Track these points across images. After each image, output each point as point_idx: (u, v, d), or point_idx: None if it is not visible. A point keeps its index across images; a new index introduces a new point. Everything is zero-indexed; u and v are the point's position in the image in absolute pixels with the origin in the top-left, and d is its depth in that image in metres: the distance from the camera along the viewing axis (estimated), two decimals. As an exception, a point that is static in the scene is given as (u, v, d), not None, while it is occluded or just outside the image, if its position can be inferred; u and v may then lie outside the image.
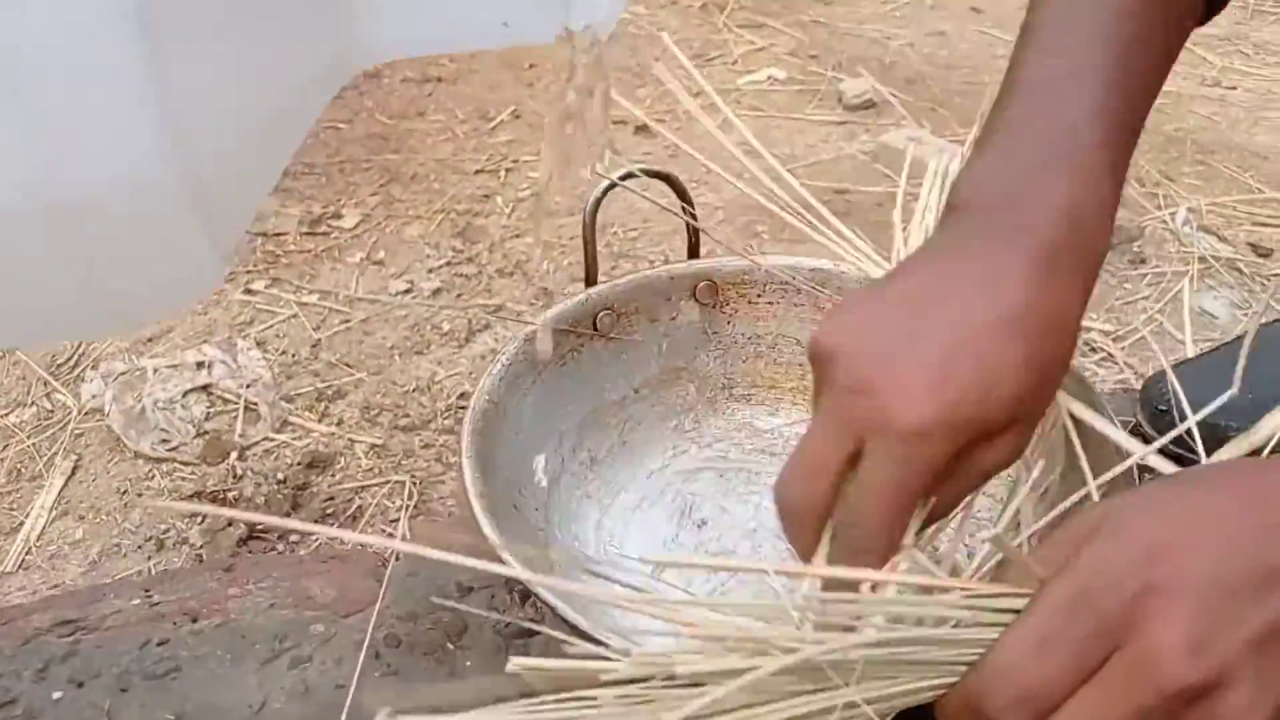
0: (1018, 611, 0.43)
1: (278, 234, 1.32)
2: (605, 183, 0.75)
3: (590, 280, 0.81)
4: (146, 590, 0.65)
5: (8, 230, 0.31)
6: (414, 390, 1.07)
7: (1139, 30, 0.58)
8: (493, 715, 0.39)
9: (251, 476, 0.95)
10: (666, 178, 0.81)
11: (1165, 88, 1.73)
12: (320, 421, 1.03)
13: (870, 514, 0.50)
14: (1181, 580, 0.40)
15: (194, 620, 0.64)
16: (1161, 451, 0.62)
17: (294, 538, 0.91)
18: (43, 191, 0.29)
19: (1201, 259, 1.26)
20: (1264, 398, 0.71)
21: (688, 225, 0.84)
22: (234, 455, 0.98)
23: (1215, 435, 0.73)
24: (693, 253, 0.85)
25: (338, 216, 1.36)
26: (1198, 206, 1.36)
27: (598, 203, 0.75)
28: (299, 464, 0.97)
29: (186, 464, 0.97)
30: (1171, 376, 0.67)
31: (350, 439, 1.01)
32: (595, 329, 0.79)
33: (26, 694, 0.59)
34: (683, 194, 0.82)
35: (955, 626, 0.43)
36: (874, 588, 0.47)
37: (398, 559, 0.66)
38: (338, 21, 0.34)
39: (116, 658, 0.61)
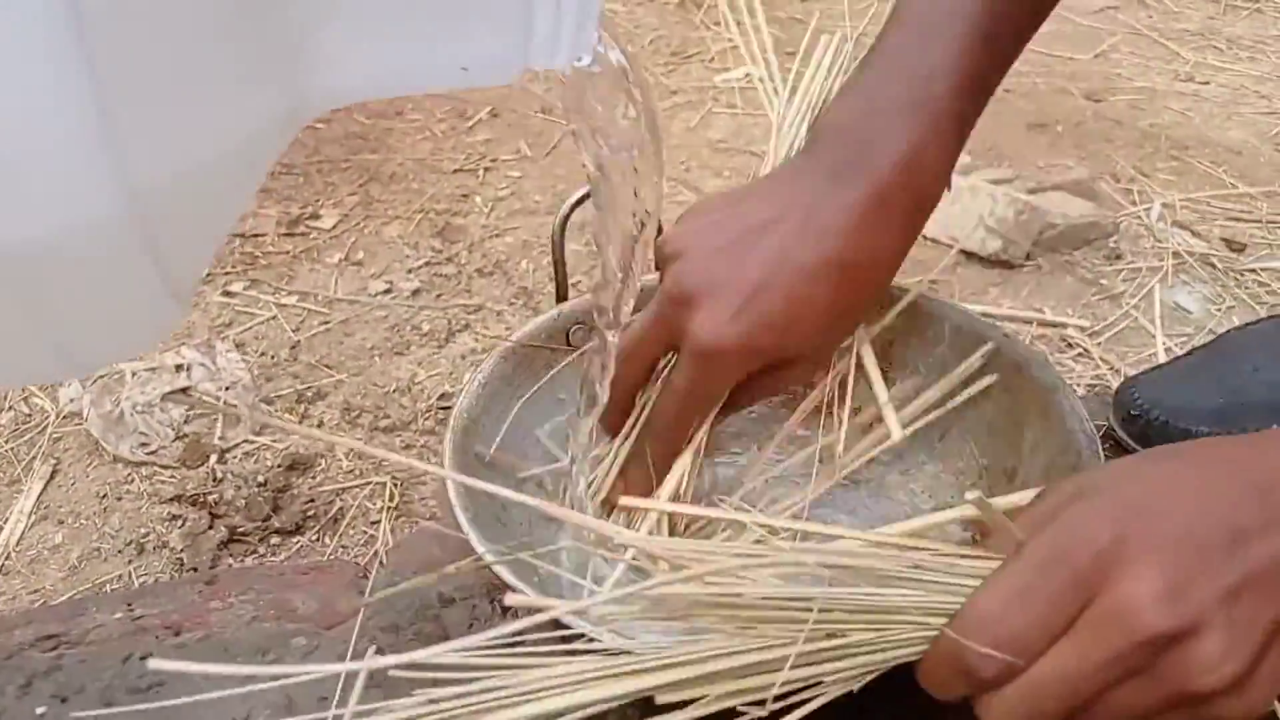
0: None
1: (255, 235, 1.31)
2: (574, 198, 0.75)
3: (561, 296, 0.81)
4: (129, 604, 0.65)
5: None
6: (394, 391, 1.07)
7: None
8: (469, 643, 0.39)
9: (232, 479, 0.95)
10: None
11: (1139, 84, 1.75)
12: (300, 423, 1.03)
13: (663, 410, 0.59)
14: (1154, 536, 0.41)
15: (176, 634, 0.64)
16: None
17: (275, 540, 0.91)
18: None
19: (1176, 254, 1.27)
20: (1233, 402, 0.72)
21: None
22: (214, 458, 0.97)
23: (1187, 439, 0.75)
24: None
25: (316, 217, 1.36)
26: (1172, 202, 1.37)
27: (565, 220, 0.75)
28: (279, 466, 0.97)
29: (166, 467, 0.96)
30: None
31: (331, 440, 1.01)
32: (569, 343, 0.78)
33: (10, 710, 0.59)
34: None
35: (932, 581, 0.43)
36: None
37: (381, 567, 0.66)
38: (292, 66, 0.34)
39: (100, 673, 0.61)
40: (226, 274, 1.23)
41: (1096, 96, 1.65)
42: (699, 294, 0.57)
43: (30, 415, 1.03)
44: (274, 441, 1.00)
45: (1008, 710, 0.42)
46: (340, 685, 0.56)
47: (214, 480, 0.95)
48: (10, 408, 1.04)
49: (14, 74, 0.27)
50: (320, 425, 1.03)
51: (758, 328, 0.56)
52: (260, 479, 0.95)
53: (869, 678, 0.44)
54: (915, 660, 0.45)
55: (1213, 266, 1.26)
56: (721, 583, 0.41)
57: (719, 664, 0.41)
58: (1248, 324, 0.94)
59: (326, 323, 1.16)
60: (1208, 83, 1.71)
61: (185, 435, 0.99)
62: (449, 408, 1.06)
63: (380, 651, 0.60)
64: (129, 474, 0.96)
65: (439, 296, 1.21)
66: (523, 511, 0.68)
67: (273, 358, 1.11)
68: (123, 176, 0.29)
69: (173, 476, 0.96)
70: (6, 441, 1.00)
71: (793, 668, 0.41)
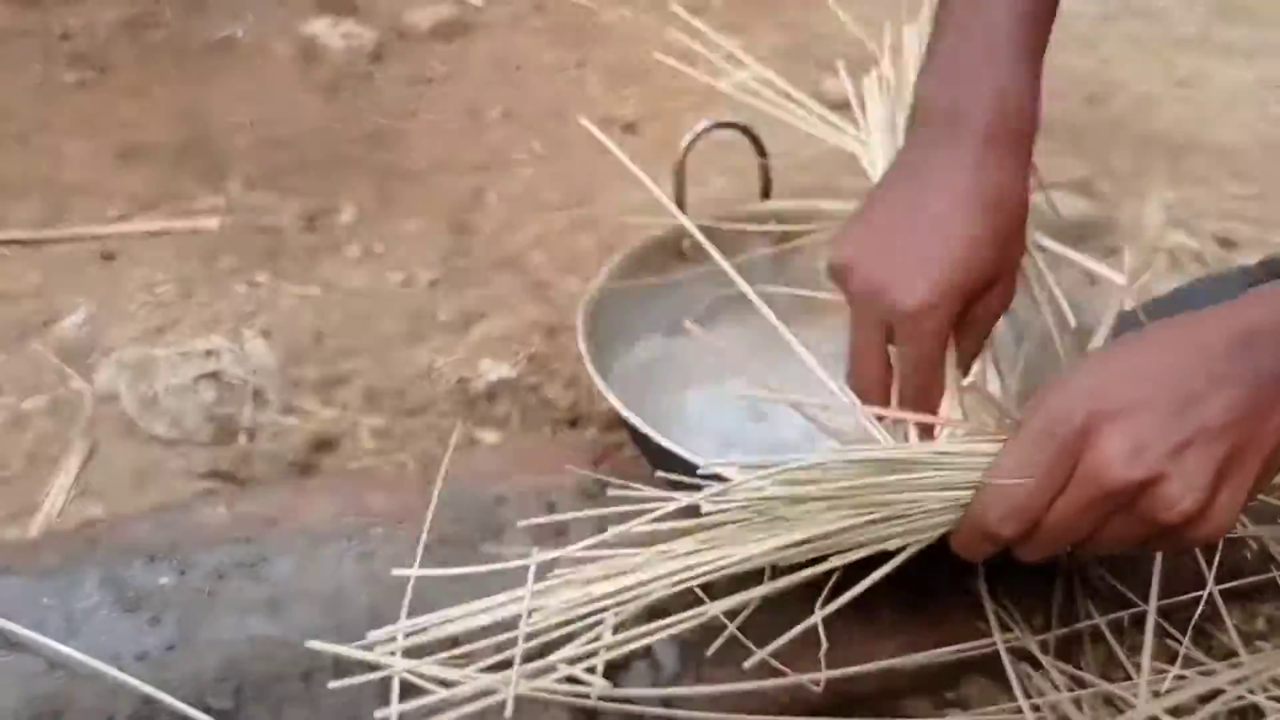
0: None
1: (277, 229, 1.35)
2: (698, 129, 0.88)
3: (680, 206, 0.95)
4: (230, 502, 0.76)
5: None
6: (415, 376, 1.11)
7: None
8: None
9: (261, 457, 0.99)
10: (743, 129, 1.03)
11: (1137, 88, 1.80)
12: (325, 406, 1.07)
13: (913, 375, 0.68)
14: (1118, 407, 0.54)
15: (274, 525, 0.75)
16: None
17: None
18: None
19: (1170, 251, 1.31)
20: None
21: (762, 170, 1.05)
22: (243, 437, 1.01)
23: None
24: (765, 194, 1.04)
25: (335, 212, 1.40)
26: (1167, 201, 1.41)
27: (688, 148, 0.97)
28: (306, 445, 1.01)
29: (199, 445, 1.01)
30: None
31: (355, 421, 1.05)
32: (681, 254, 0.94)
33: (137, 580, 0.70)
34: (757, 142, 0.94)
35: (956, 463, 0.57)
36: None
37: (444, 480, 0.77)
38: None
39: (211, 551, 0.72)
40: (250, 266, 1.27)
41: (1096, 101, 1.70)
42: (884, 281, 0.67)
43: (67, 397, 1.07)
44: (301, 422, 1.04)
45: (1034, 551, 0.57)
46: (417, 562, 0.64)
47: (244, 459, 0.99)
48: (48, 390, 1.08)
49: None
50: (345, 407, 1.07)
51: (943, 274, 0.67)
52: (289, 458, 0.99)
53: (923, 543, 0.59)
54: (950, 530, 0.59)
55: (1205, 263, 1.30)
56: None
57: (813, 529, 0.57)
58: (1190, 281, 0.99)
59: (347, 311, 1.20)
60: (1204, 87, 1.76)
61: (216, 416, 1.03)
62: (466, 391, 1.10)
63: (445, 540, 0.69)
64: (164, 452, 1.00)
65: (456, 288, 1.26)
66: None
67: (297, 344, 1.15)
68: None
69: (206, 454, 1.00)
70: (45, 422, 1.04)
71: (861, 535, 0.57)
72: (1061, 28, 2.02)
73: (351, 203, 1.43)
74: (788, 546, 0.58)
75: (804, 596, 0.63)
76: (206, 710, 0.61)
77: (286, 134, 1.60)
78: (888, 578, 0.67)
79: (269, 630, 0.66)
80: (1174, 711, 0.66)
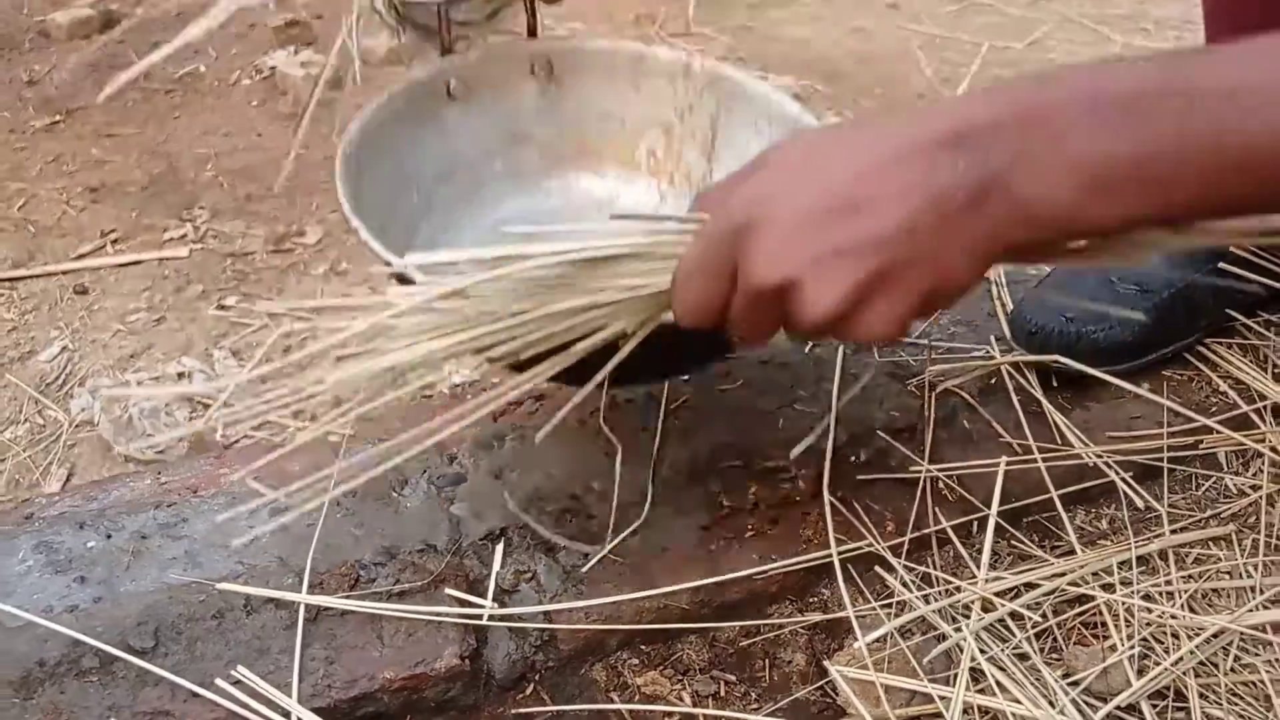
0: None
1: (245, 254, 1.40)
2: None
3: (444, 51, 0.91)
4: (157, 473, 0.80)
5: None
6: (381, 385, 1.16)
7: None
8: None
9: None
10: None
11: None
12: (295, 418, 1.11)
13: None
14: (770, 217, 0.54)
15: (195, 493, 0.82)
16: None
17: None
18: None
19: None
20: (1105, 298, 0.84)
21: (528, 6, 0.94)
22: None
23: (1082, 341, 0.87)
24: (531, 33, 0.96)
25: (301, 234, 1.45)
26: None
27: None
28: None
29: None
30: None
31: (326, 431, 1.09)
32: (449, 94, 0.91)
33: (68, 544, 0.76)
34: None
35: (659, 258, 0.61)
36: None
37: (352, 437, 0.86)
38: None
39: (135, 518, 0.79)
40: (220, 290, 1.32)
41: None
42: None
43: (45, 426, 1.11)
44: (273, 436, 1.09)
45: (740, 337, 0.59)
46: (324, 512, 0.68)
47: (218, 472, 1.04)
48: (25, 420, 1.12)
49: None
50: (314, 419, 1.11)
51: None
52: (260, 469, 1.04)
53: (636, 325, 0.62)
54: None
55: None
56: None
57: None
58: None
59: (316, 327, 1.25)
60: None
61: (189, 435, 1.08)
62: (430, 396, 1.14)
63: (354, 492, 0.74)
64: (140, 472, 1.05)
65: (418, 299, 1.30)
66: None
67: (267, 361, 1.19)
68: None
69: (180, 470, 1.04)
70: (24, 450, 1.08)
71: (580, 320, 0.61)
72: (996, 13, 2.08)
73: (317, 224, 1.47)
74: (499, 334, 0.62)
75: (677, 515, 0.76)
76: (128, 649, 0.68)
77: (252, 162, 1.65)
78: (754, 500, 0.79)
79: (186, 580, 0.74)
80: (1004, 594, 0.72)
